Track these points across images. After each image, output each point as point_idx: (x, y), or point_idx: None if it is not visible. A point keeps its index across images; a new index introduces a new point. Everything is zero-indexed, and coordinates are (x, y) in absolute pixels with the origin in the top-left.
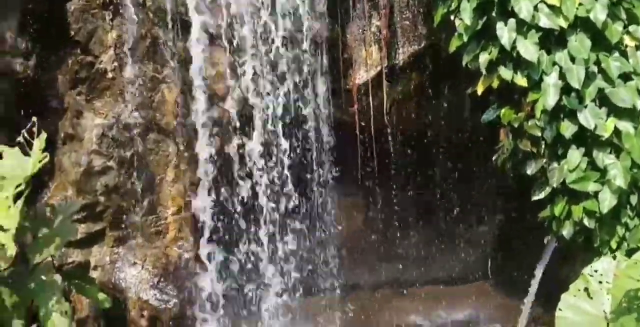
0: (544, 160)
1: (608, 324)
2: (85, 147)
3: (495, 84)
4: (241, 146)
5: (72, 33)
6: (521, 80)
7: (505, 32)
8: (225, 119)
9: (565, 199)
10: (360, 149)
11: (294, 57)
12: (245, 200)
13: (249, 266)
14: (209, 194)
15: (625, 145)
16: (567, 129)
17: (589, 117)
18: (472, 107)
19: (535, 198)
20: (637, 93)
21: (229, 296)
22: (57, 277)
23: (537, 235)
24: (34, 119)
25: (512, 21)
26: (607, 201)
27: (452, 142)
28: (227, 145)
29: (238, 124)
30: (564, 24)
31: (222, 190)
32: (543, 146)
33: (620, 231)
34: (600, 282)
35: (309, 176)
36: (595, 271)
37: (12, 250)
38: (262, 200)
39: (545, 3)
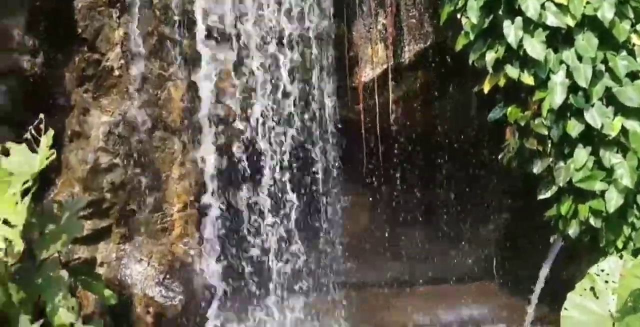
0: (550, 159)
1: (614, 323)
2: (92, 145)
3: (502, 82)
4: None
5: (79, 31)
6: (528, 79)
7: (512, 31)
8: (231, 117)
9: (571, 198)
10: (365, 147)
11: (300, 55)
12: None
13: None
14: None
15: (632, 145)
16: (574, 128)
17: (596, 116)
18: (479, 105)
19: (541, 197)
20: None
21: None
22: (64, 273)
23: (542, 234)
24: (42, 115)
25: (518, 19)
26: (613, 201)
27: (458, 140)
28: (232, 143)
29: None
30: (571, 23)
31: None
32: (549, 145)
33: (626, 230)
34: (607, 281)
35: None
36: (602, 271)
37: (19, 246)
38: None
39: (553, 1)
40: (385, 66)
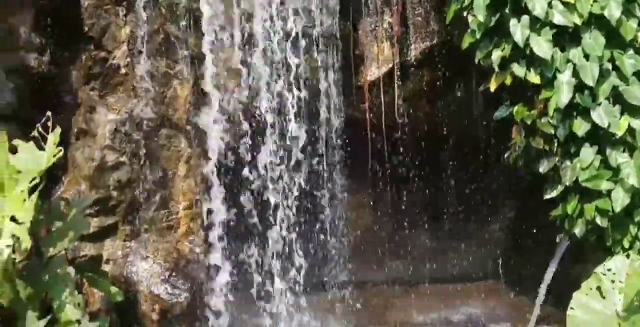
0: (557, 159)
1: (620, 323)
2: (99, 143)
3: (508, 81)
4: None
5: (86, 29)
6: (534, 78)
7: (518, 29)
8: (236, 115)
9: (577, 197)
10: (370, 146)
11: (305, 53)
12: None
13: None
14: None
15: (638, 144)
16: (580, 127)
17: (603, 115)
18: (485, 104)
19: (547, 196)
20: None
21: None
22: (71, 270)
23: (548, 233)
24: (49, 113)
25: (525, 18)
26: (620, 200)
27: (463, 139)
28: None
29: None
30: (578, 21)
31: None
32: (556, 144)
33: (633, 229)
34: (613, 281)
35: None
36: (608, 270)
37: (27, 243)
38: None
39: (560, 0)
40: (391, 65)
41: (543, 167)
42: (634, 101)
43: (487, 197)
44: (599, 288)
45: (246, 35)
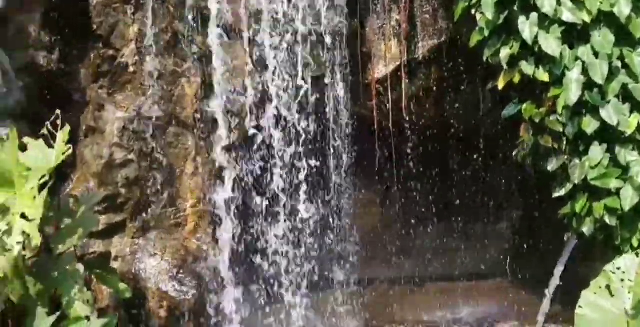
0: (565, 157)
1: (628, 322)
2: (107, 140)
3: (517, 79)
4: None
5: (95, 27)
6: (543, 76)
7: (527, 27)
8: (244, 113)
9: (586, 195)
10: (378, 144)
11: (313, 51)
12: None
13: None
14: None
15: None
16: (589, 125)
17: (612, 113)
18: (493, 102)
19: (556, 195)
20: None
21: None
22: (80, 267)
23: (556, 232)
24: (58, 111)
25: (534, 15)
26: (629, 198)
27: (471, 137)
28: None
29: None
30: (587, 19)
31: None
32: (564, 142)
33: None
34: (622, 280)
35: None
36: (618, 268)
37: (37, 240)
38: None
39: None
40: (398, 62)
41: (552, 166)
42: None
43: (495, 195)
44: (608, 287)
45: (254, 33)
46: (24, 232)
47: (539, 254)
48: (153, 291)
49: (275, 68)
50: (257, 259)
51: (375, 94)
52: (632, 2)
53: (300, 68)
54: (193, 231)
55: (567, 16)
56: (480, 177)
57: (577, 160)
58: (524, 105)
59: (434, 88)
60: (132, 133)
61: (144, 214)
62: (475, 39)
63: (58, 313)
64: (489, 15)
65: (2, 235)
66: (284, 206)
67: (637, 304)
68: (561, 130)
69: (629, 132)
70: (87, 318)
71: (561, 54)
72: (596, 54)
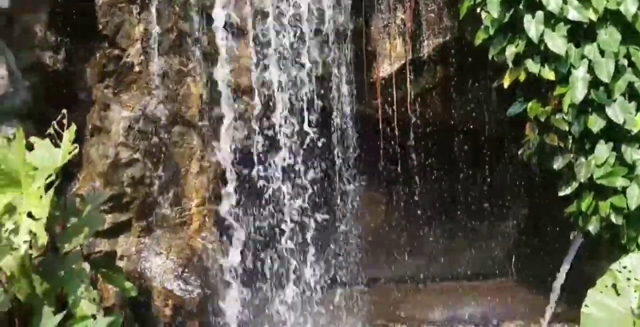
0: (571, 155)
1: (635, 321)
2: (113, 140)
3: (522, 77)
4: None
5: (100, 27)
6: (549, 74)
7: (532, 25)
8: (249, 112)
9: (592, 194)
10: (383, 143)
11: (317, 50)
12: None
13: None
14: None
15: None
16: (595, 123)
17: (618, 111)
18: (498, 100)
19: (561, 193)
20: None
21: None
22: (86, 266)
23: (562, 231)
24: (64, 111)
25: (540, 14)
26: (635, 197)
27: (476, 136)
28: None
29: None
30: (594, 17)
31: None
32: (570, 141)
33: None
34: (629, 278)
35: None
36: (624, 267)
37: (43, 239)
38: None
39: None
40: (403, 61)
41: (557, 164)
42: None
43: (500, 194)
44: (614, 285)
45: (259, 32)
46: (30, 231)
47: (544, 253)
48: (158, 290)
49: (280, 67)
50: None
51: (380, 93)
52: (638, 0)
53: (305, 66)
54: (198, 229)
55: (573, 14)
56: (485, 176)
57: (583, 159)
58: (530, 104)
59: (439, 87)
60: (137, 132)
61: (149, 213)
62: (480, 37)
63: (64, 312)
64: (495, 14)
65: (9, 234)
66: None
67: None
68: (567, 128)
69: (635, 130)
70: (93, 317)
71: (567, 52)
72: (602, 53)
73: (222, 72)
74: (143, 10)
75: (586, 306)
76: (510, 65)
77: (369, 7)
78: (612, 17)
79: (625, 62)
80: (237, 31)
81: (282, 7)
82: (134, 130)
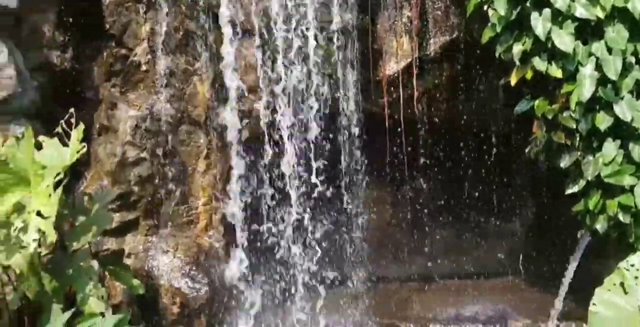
0: (579, 153)
1: None
2: (120, 139)
3: (529, 75)
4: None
5: (107, 26)
6: (556, 72)
7: (539, 23)
8: (254, 111)
9: (599, 192)
10: (389, 141)
11: (324, 48)
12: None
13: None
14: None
15: None
16: (603, 121)
17: (626, 109)
18: (505, 98)
19: (569, 192)
20: None
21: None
22: (94, 264)
23: (569, 229)
24: (72, 110)
25: (547, 11)
26: None
27: (483, 134)
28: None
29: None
30: (601, 14)
31: None
32: (578, 139)
33: None
34: (637, 277)
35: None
36: (632, 265)
37: (52, 237)
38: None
39: None
40: (409, 59)
41: (564, 162)
42: None
43: (508, 192)
44: (622, 284)
45: (265, 31)
46: (39, 230)
47: (551, 252)
48: (166, 288)
49: (286, 67)
50: None
51: (386, 91)
52: None
53: (311, 64)
54: (205, 228)
55: (580, 12)
56: (492, 174)
57: (590, 157)
58: (537, 102)
59: (446, 85)
60: (144, 131)
61: (156, 212)
62: (487, 35)
63: (73, 309)
64: (502, 11)
65: (18, 232)
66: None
67: None
68: (574, 126)
69: None
70: (102, 314)
71: (574, 50)
72: (610, 50)
73: (228, 71)
74: (149, 10)
75: (594, 304)
76: (517, 63)
77: (375, 5)
78: (620, 14)
79: (633, 59)
80: (243, 30)
81: (288, 5)
82: (141, 129)
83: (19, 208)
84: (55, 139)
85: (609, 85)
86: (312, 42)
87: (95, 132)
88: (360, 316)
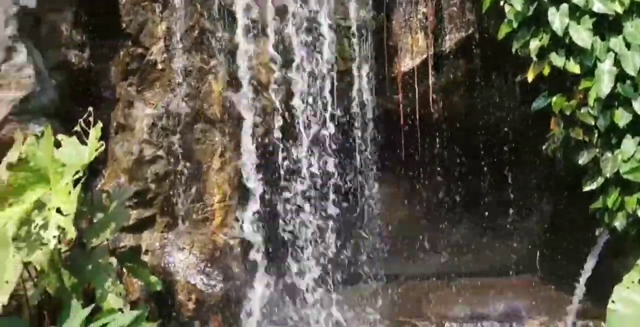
0: (597, 150)
1: None
2: (137, 137)
3: (546, 71)
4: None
5: (124, 25)
6: (574, 67)
7: (557, 18)
8: (269, 108)
9: (618, 190)
10: (404, 138)
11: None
12: None
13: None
14: None
15: None
16: (622, 117)
17: None
18: (522, 95)
19: (587, 189)
20: None
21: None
22: (113, 260)
23: (587, 227)
24: (90, 109)
25: (564, 6)
26: None
27: (500, 130)
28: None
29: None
30: (619, 9)
31: None
32: (596, 135)
33: None
34: None
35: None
36: None
37: (71, 234)
38: None
39: None
40: (425, 56)
41: (583, 159)
42: None
43: (525, 189)
44: None
45: (280, 28)
46: (59, 227)
47: (569, 250)
48: (182, 284)
49: (301, 64)
50: None
51: (401, 88)
52: None
53: (325, 61)
54: (220, 225)
55: (598, 7)
56: (509, 171)
57: (608, 154)
58: (554, 98)
59: (462, 81)
60: (160, 130)
61: (172, 209)
62: (503, 31)
63: (92, 305)
64: (518, 7)
65: (39, 229)
66: None
67: None
68: (592, 123)
69: None
70: (120, 310)
71: (592, 45)
72: (628, 45)
73: (242, 69)
74: (165, 9)
75: (612, 302)
76: (535, 59)
77: (391, 1)
78: (638, 9)
79: None
80: (258, 28)
81: (303, 2)
82: (157, 127)
83: (39, 205)
84: (74, 138)
85: (628, 81)
86: (327, 39)
87: (112, 130)
88: (374, 314)
